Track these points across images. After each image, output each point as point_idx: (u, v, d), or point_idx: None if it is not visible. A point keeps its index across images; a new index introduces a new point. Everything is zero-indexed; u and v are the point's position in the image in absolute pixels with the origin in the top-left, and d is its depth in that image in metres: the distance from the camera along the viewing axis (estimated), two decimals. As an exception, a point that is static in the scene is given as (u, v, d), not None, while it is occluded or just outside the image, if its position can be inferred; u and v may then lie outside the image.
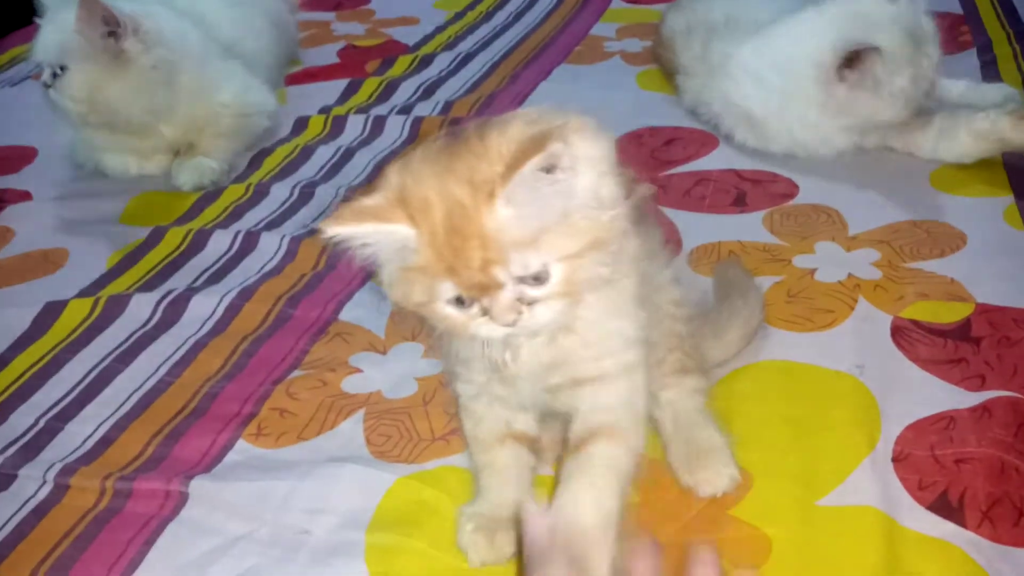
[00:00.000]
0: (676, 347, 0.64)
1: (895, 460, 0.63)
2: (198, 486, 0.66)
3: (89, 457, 0.70)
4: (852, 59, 0.97)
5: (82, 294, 0.91)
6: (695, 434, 0.63)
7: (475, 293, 0.49)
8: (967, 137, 1.01)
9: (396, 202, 0.49)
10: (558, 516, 0.51)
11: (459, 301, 0.50)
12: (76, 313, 0.87)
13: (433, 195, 0.48)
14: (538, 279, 0.49)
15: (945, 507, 0.59)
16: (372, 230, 0.49)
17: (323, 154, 1.18)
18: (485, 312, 0.50)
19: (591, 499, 0.53)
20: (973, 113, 1.02)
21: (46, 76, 1.05)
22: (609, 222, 0.50)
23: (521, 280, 0.49)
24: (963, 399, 0.68)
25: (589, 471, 0.54)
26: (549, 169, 0.46)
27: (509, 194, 0.46)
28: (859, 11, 1.00)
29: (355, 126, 1.24)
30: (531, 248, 0.48)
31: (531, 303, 0.50)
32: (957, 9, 1.43)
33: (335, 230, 0.49)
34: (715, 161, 1.08)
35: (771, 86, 1.06)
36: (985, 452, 0.62)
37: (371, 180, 1.06)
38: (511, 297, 0.49)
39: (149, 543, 0.62)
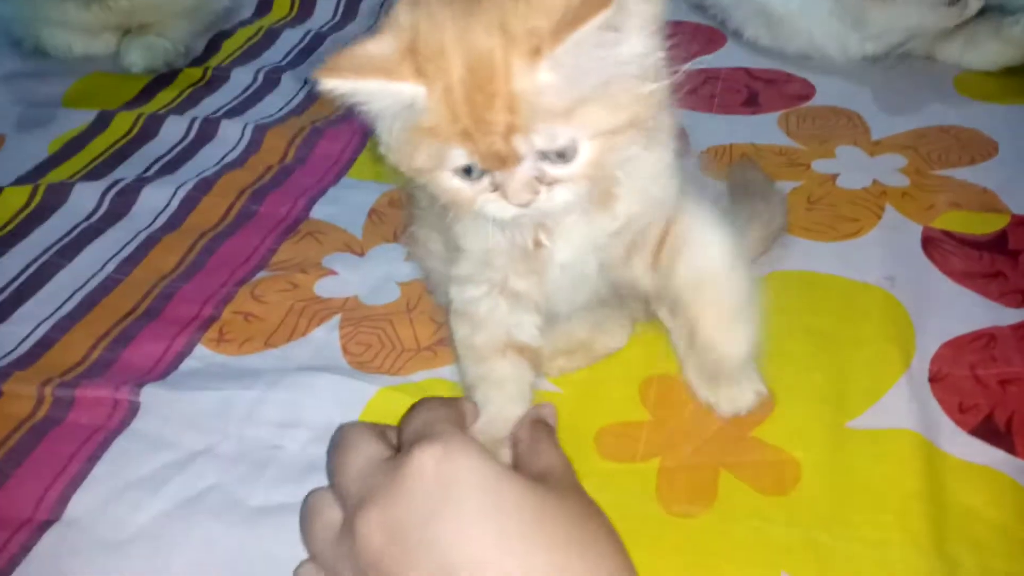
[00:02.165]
0: None
1: (932, 380, 0.57)
2: (151, 394, 0.58)
3: (25, 361, 0.62)
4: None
5: (19, 181, 0.81)
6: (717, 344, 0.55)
7: (491, 164, 0.41)
8: (996, 44, 0.93)
9: (405, 52, 0.41)
10: None
11: (467, 172, 0.42)
12: (12, 201, 0.77)
13: (452, 42, 0.40)
14: (563, 156, 0.42)
15: (991, 432, 0.53)
16: (374, 87, 0.41)
17: (290, 38, 1.07)
18: (496, 187, 0.43)
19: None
20: (1000, 17, 0.94)
21: None
22: (650, 96, 0.42)
23: (543, 155, 0.42)
24: (1003, 315, 0.62)
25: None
26: (607, 30, 0.39)
27: (557, 56, 0.39)
28: None
29: (326, 8, 1.13)
30: (563, 119, 0.41)
31: (551, 183, 0.42)
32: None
33: (331, 83, 0.41)
34: (723, 59, 1.00)
35: None
36: (1033, 373, 0.57)
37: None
38: (530, 174, 0.42)
39: (94, 458, 0.55)
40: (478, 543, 0.39)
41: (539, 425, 0.51)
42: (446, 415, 0.47)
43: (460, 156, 0.42)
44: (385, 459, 0.44)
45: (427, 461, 0.41)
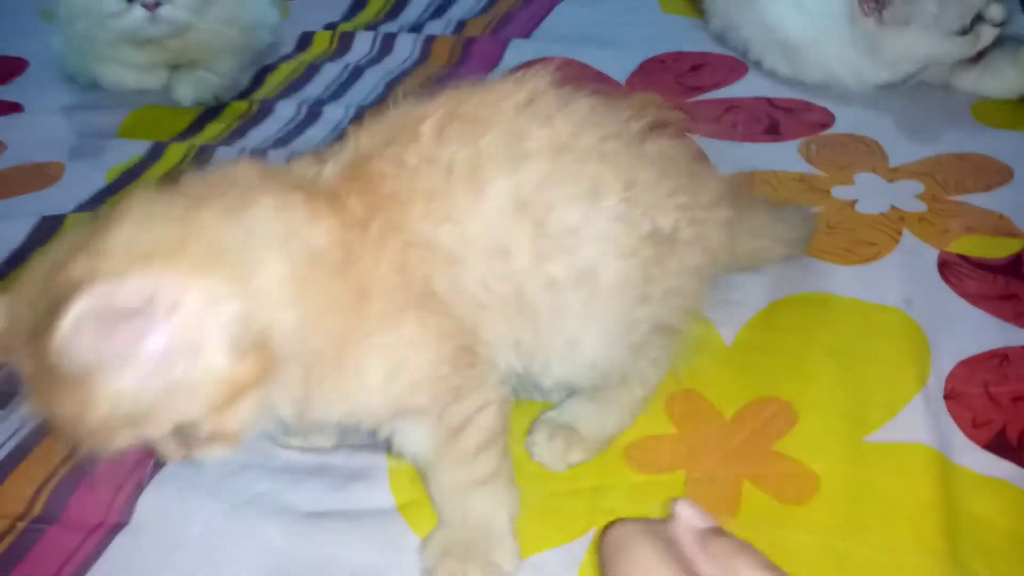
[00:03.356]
0: None
1: (947, 397, 0.60)
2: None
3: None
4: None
5: (80, 209, 0.86)
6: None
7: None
8: (1013, 72, 0.96)
9: None
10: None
11: None
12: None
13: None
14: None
15: (1003, 446, 0.56)
16: None
17: (330, 71, 1.12)
18: None
19: None
20: (1018, 46, 0.97)
21: None
22: (258, 361, 0.39)
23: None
24: (1016, 336, 0.65)
25: None
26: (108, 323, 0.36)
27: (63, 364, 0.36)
28: None
29: (363, 43, 1.18)
30: (130, 424, 0.39)
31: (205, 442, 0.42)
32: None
33: None
34: (745, 88, 1.03)
35: (810, 12, 1.00)
36: (1044, 390, 0.59)
37: (382, 100, 1.00)
38: (167, 444, 0.42)
39: (158, 464, 0.59)
40: None
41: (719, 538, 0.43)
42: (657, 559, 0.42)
43: None
44: None
45: None
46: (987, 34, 0.93)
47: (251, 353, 0.39)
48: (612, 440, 0.58)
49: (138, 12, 0.98)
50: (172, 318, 0.37)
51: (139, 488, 0.57)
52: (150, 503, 0.56)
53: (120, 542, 0.54)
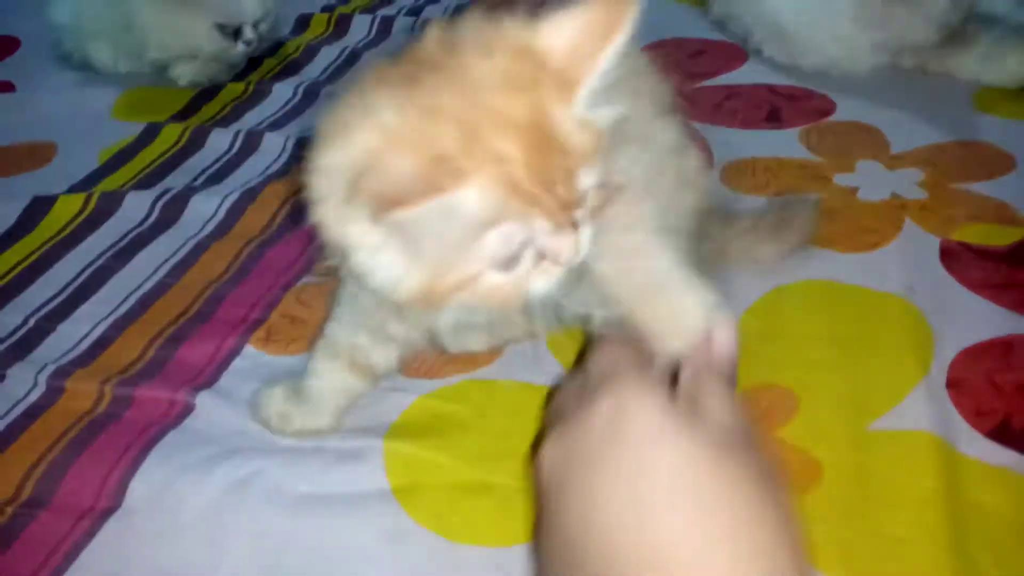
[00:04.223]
0: None
1: (950, 386, 0.59)
2: (205, 398, 0.61)
3: (84, 359, 0.65)
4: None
5: (72, 189, 0.85)
6: None
7: (563, 220, 0.40)
8: (1016, 61, 0.96)
9: (436, 160, 0.37)
10: None
11: (505, 266, 0.41)
12: (67, 209, 0.81)
13: (486, 124, 0.38)
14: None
15: (1006, 435, 0.56)
16: (435, 207, 0.37)
17: (328, 54, 1.11)
18: (543, 257, 0.41)
19: None
20: (1019, 35, 0.97)
21: (251, 34, 1.04)
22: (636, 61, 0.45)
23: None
24: (1019, 325, 0.64)
25: None
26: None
27: (587, 89, 0.39)
28: None
29: (361, 26, 1.17)
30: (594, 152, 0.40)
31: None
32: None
33: (404, 214, 0.37)
34: (745, 75, 1.03)
35: None
36: (1048, 379, 0.59)
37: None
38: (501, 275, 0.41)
39: (148, 448, 0.58)
40: (624, 506, 0.37)
41: (704, 374, 0.45)
42: (633, 359, 0.44)
43: (543, 228, 0.40)
44: (584, 389, 0.42)
45: (602, 410, 0.39)
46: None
47: None
48: None
49: (240, 48, 1.04)
50: None
51: (130, 472, 0.56)
52: (141, 487, 0.55)
53: (111, 526, 0.54)
